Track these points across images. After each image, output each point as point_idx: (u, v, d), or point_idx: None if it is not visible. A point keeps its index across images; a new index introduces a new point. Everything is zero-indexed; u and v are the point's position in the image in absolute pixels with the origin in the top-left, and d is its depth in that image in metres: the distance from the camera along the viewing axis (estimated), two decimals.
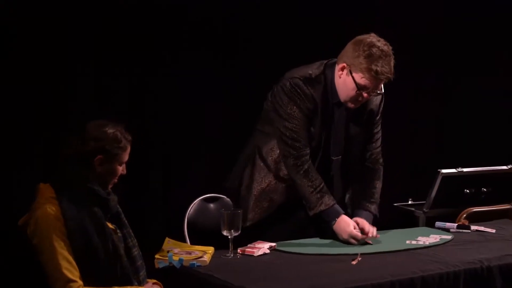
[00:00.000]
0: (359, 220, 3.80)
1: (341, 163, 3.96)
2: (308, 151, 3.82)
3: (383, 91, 3.84)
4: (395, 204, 4.98)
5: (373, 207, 3.93)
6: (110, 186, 3.18)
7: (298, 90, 3.77)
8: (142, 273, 3.18)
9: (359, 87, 3.71)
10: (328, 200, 3.79)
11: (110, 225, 3.11)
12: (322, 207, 3.78)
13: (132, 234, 3.22)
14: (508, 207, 4.67)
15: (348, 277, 3.18)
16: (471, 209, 4.50)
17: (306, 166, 3.80)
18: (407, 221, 4.72)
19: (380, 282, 3.14)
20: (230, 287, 3.07)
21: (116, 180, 3.18)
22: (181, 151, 5.20)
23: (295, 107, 3.78)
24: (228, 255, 3.47)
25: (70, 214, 3.00)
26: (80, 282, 2.94)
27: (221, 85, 5.23)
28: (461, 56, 6.04)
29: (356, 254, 3.47)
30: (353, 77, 3.71)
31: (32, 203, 3.08)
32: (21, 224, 3.05)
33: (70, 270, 2.94)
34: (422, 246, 3.71)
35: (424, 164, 5.89)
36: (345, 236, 3.74)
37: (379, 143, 4.04)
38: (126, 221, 3.22)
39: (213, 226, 3.89)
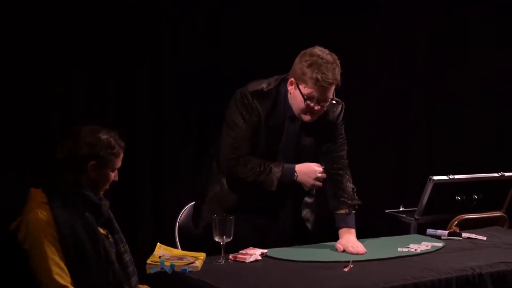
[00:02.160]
0: (343, 242, 3.80)
1: None
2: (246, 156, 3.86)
3: (334, 101, 3.83)
4: (387, 211, 4.97)
5: (349, 203, 3.92)
6: (101, 192, 3.17)
7: (245, 102, 3.83)
8: (134, 278, 3.16)
9: (305, 98, 3.75)
10: (276, 167, 3.83)
11: (101, 231, 3.10)
12: (278, 175, 3.81)
13: (124, 239, 3.20)
14: (499, 214, 4.68)
15: (340, 284, 3.18)
16: (462, 216, 4.50)
17: (241, 160, 3.84)
18: (398, 227, 4.72)
19: None
20: None
21: (108, 186, 3.18)
22: (172, 156, 5.19)
23: (240, 117, 3.83)
24: (219, 261, 3.46)
25: (61, 219, 2.98)
26: None
27: (214, 87, 5.25)
28: (452, 61, 6.05)
29: (348, 261, 3.47)
30: (299, 89, 3.76)
31: (23, 208, 3.06)
32: (12, 229, 3.03)
33: (61, 275, 2.92)
34: (414, 253, 3.72)
35: (415, 171, 5.89)
36: (311, 182, 3.83)
37: (342, 152, 4.02)
38: (117, 227, 3.20)
39: (203, 233, 3.89)
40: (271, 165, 3.83)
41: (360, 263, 3.50)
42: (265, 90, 3.86)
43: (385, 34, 5.94)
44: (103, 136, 3.11)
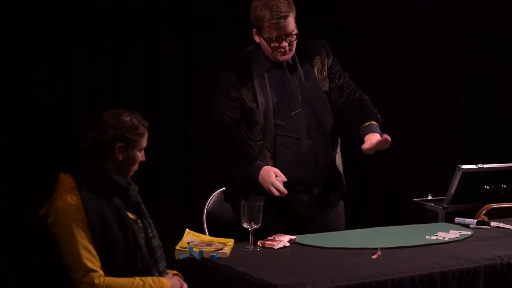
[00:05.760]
0: (366, 138, 3.84)
1: (306, 113, 3.94)
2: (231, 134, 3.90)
3: (296, 30, 3.85)
4: (415, 199, 4.96)
5: (373, 118, 3.94)
6: (130, 174, 3.19)
7: (220, 77, 3.91)
8: (162, 263, 3.18)
9: (269, 41, 3.83)
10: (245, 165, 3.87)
11: (130, 215, 3.12)
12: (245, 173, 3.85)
13: (153, 224, 3.22)
14: None
15: (368, 271, 3.17)
16: (490, 205, 4.48)
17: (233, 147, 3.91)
18: (426, 216, 4.70)
19: (400, 277, 3.14)
20: (250, 279, 3.06)
21: (136, 167, 3.19)
22: (201, 142, 5.20)
23: (220, 94, 3.91)
24: (248, 247, 3.47)
25: (90, 204, 3.01)
26: (101, 272, 2.95)
27: None
28: (479, 50, 6.01)
29: (376, 248, 3.46)
30: (262, 37, 3.85)
31: (52, 194, 3.08)
32: (42, 214, 3.06)
33: (91, 260, 2.95)
34: (442, 241, 3.70)
35: (443, 159, 5.87)
36: (267, 185, 3.77)
37: (353, 84, 4.05)
38: (146, 212, 3.22)
39: (232, 218, 3.90)
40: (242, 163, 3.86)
41: (388, 251, 3.49)
42: (238, 57, 3.97)
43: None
44: (126, 118, 3.13)
